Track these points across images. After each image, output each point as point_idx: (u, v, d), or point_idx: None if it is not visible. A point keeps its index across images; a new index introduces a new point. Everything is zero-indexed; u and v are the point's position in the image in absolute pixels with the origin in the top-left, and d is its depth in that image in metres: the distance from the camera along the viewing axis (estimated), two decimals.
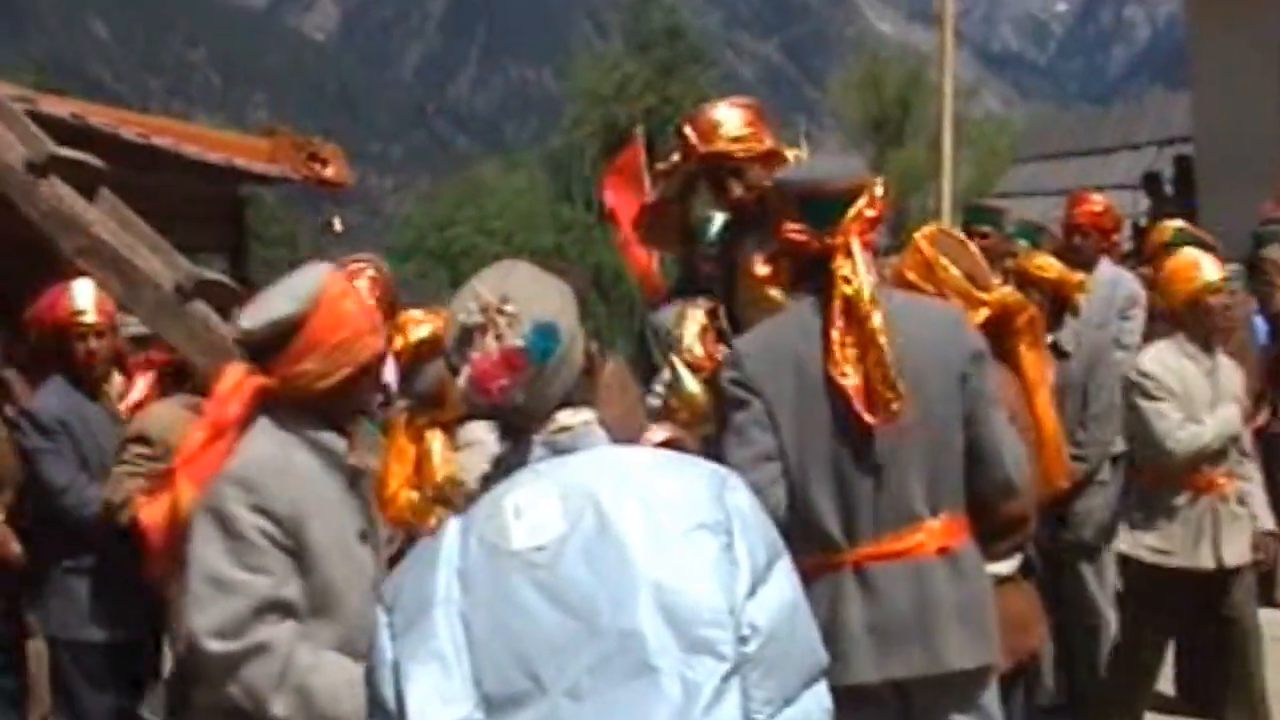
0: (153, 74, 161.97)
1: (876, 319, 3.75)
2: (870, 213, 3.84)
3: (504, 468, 2.44)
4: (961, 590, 3.82)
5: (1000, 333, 4.55)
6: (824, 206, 3.83)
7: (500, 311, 2.39)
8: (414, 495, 3.93)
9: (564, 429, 2.43)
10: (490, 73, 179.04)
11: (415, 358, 4.22)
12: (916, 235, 4.61)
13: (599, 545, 2.29)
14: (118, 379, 6.09)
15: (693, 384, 4.38)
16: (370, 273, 5.56)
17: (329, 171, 9.49)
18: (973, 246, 4.82)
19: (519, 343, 2.37)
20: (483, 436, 3.95)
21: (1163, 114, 19.01)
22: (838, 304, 3.78)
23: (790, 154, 4.66)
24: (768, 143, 4.67)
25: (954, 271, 4.52)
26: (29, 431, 5.83)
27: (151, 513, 3.61)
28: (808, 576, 3.83)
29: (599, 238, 36.50)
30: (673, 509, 2.34)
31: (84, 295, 5.82)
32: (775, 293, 4.18)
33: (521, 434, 2.44)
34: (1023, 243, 7.49)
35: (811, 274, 3.87)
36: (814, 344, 3.81)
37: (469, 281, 2.50)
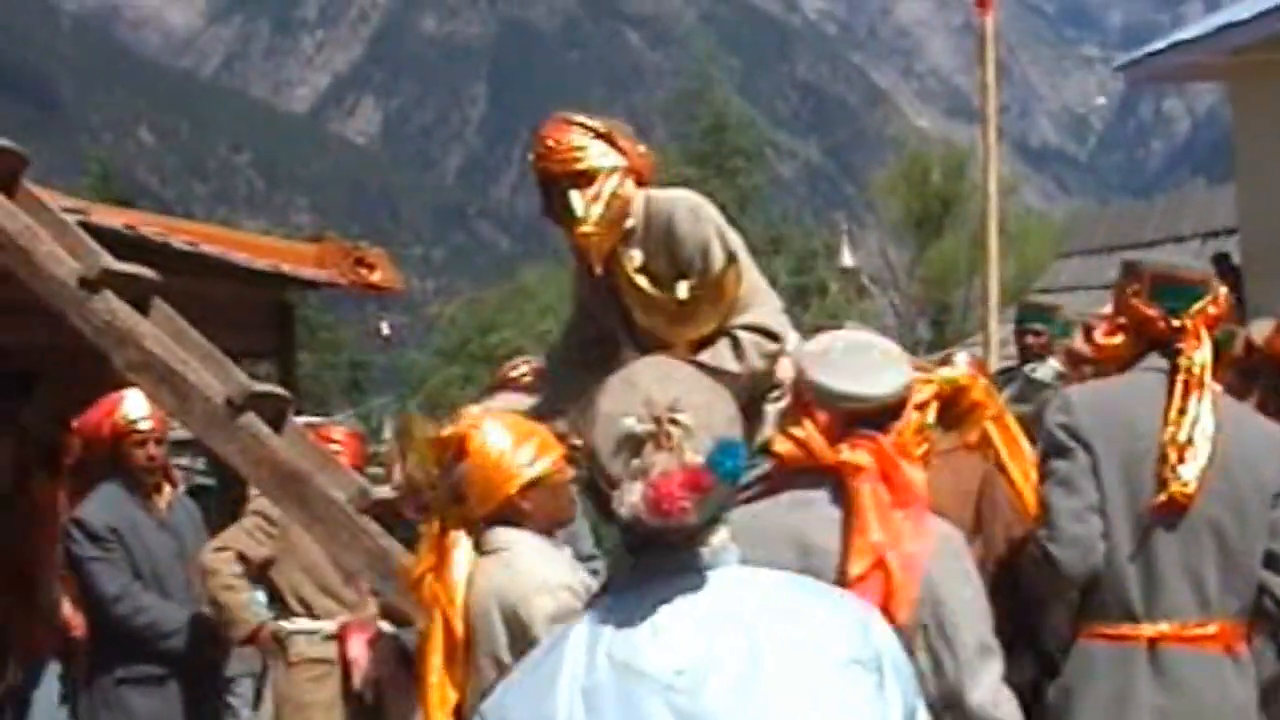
0: (198, 179, 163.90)
1: (1206, 401, 3.88)
2: (1213, 310, 4.01)
3: (634, 580, 2.24)
4: (1242, 695, 3.89)
5: (958, 415, 4.29)
6: (1175, 292, 4.02)
7: (674, 422, 2.18)
8: (438, 585, 3.87)
9: (703, 545, 2.22)
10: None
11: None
12: None
13: (748, 674, 2.11)
14: (167, 489, 6.10)
15: None
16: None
17: (377, 276, 9.48)
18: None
19: (701, 460, 2.15)
20: (508, 543, 3.86)
21: (1206, 207, 18.85)
22: (1181, 381, 3.92)
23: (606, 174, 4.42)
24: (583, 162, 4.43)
25: None
26: (80, 540, 5.82)
27: None
28: (1098, 642, 3.88)
29: None
30: (825, 641, 2.16)
31: (137, 404, 5.84)
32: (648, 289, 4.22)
33: (658, 547, 2.21)
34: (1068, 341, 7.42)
35: (1152, 352, 4.02)
36: (1154, 410, 3.91)
37: (624, 380, 2.29)
